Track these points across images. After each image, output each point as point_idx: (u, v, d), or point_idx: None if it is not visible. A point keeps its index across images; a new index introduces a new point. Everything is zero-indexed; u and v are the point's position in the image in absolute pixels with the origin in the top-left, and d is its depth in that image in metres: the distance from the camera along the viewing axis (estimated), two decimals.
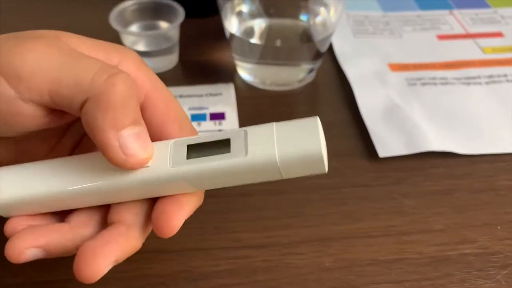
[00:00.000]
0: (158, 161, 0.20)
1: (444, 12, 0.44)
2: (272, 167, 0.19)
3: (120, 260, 0.20)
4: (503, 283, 0.24)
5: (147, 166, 0.20)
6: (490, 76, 0.37)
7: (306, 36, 0.37)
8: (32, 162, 0.21)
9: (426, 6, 0.45)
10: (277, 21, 0.37)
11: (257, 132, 0.20)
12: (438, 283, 0.24)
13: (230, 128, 0.32)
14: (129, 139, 0.19)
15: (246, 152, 0.19)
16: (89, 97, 0.18)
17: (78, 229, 0.21)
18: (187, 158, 0.20)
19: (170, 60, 0.37)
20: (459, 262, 0.25)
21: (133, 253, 0.20)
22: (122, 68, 0.20)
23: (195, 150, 0.20)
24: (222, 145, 0.20)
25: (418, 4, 0.45)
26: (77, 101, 0.19)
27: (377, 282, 0.24)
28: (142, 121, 0.20)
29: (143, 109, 0.21)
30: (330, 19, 0.36)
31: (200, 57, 0.39)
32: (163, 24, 0.38)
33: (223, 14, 0.35)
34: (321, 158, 0.19)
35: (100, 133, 0.18)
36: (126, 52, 0.21)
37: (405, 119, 0.33)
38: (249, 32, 0.36)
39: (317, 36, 0.36)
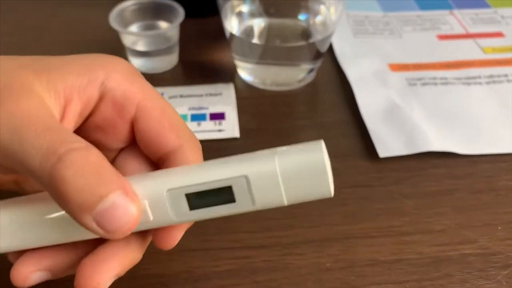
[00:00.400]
0: (159, 213, 0.19)
1: (444, 12, 0.44)
2: (280, 205, 0.19)
3: (121, 274, 0.20)
4: (504, 283, 0.24)
5: (150, 220, 0.19)
6: (491, 76, 0.37)
7: (306, 36, 0.37)
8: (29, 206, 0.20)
9: (426, 6, 0.45)
10: (277, 21, 0.37)
11: (259, 177, 0.18)
12: (438, 283, 0.24)
13: (230, 127, 0.32)
14: (104, 218, 0.17)
15: (253, 202, 0.19)
16: (43, 184, 0.17)
17: (81, 245, 0.20)
18: (190, 210, 0.19)
19: (170, 60, 0.37)
20: (460, 263, 0.25)
21: (133, 265, 0.20)
22: (109, 84, 0.19)
23: (196, 199, 0.19)
24: (224, 193, 0.19)
25: (418, 4, 0.45)
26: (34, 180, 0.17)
27: (377, 283, 0.24)
28: (115, 183, 0.17)
29: (136, 120, 0.20)
30: (330, 19, 0.36)
31: (200, 57, 0.39)
32: (163, 24, 0.37)
33: (223, 14, 0.35)
34: (330, 193, 0.19)
35: (71, 216, 0.17)
36: (113, 66, 0.20)
37: (405, 119, 0.32)
38: (249, 32, 0.36)
39: (317, 36, 0.36)
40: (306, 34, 0.37)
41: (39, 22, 0.43)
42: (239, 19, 0.36)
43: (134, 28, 0.37)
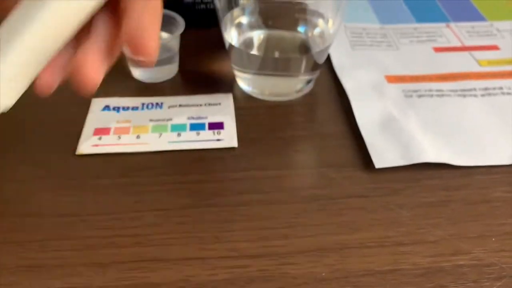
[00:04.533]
0: None
1: (441, 25, 0.45)
2: None
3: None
4: None
5: None
6: (486, 89, 0.37)
7: (304, 48, 0.37)
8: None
9: (423, 18, 0.45)
10: (275, 33, 0.37)
11: None
12: None
13: (228, 137, 0.33)
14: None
15: None
16: None
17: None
18: None
19: (170, 70, 0.38)
20: (454, 274, 0.25)
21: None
22: None
23: None
24: None
25: (415, 16, 0.46)
26: None
27: None
28: None
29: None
30: (328, 31, 0.37)
31: (199, 67, 0.39)
32: (164, 35, 0.38)
33: (222, 25, 0.36)
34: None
35: None
36: None
37: (401, 130, 0.33)
38: (248, 43, 0.36)
39: (315, 48, 0.36)
40: (304, 46, 0.37)
41: None
42: (238, 31, 0.37)
43: None
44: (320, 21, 0.37)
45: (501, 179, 0.30)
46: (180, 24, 0.37)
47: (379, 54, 0.41)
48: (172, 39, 0.36)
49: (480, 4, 0.48)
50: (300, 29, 0.38)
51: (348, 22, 0.44)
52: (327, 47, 0.36)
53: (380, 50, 0.41)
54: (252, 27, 0.37)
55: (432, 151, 0.31)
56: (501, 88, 0.37)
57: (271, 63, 0.36)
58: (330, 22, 0.37)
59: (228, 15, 0.36)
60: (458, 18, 0.46)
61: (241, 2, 0.37)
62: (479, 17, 0.46)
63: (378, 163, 0.31)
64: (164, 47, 0.37)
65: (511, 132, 0.33)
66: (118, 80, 0.37)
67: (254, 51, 0.36)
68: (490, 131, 0.33)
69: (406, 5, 0.47)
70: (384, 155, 0.31)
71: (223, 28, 0.36)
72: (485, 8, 0.47)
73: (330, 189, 0.30)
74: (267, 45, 0.37)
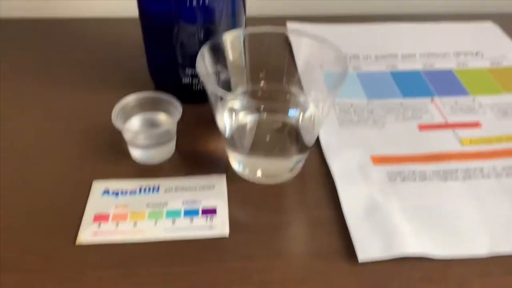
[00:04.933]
0: None
1: (426, 100, 0.47)
2: None
3: None
4: None
5: None
6: (467, 171, 0.39)
7: (295, 132, 0.39)
8: None
9: (409, 93, 0.48)
10: (267, 117, 0.40)
11: None
12: None
13: (220, 224, 0.34)
14: None
15: None
16: None
17: None
18: None
19: (168, 151, 0.40)
20: None
21: None
22: None
23: None
24: None
25: (401, 91, 0.48)
26: None
27: None
28: None
29: None
30: (318, 115, 0.39)
31: (196, 146, 0.41)
32: (162, 116, 0.40)
33: (215, 109, 0.38)
34: None
35: None
36: None
37: (384, 219, 0.35)
38: (240, 127, 0.39)
39: (305, 133, 0.38)
40: (294, 129, 0.39)
41: (42, 106, 0.46)
42: (231, 115, 0.39)
43: (135, 119, 0.40)
44: (311, 106, 0.40)
45: (479, 271, 0.32)
46: (178, 108, 0.39)
47: (366, 132, 0.43)
48: (170, 126, 0.38)
49: (464, 78, 0.50)
50: (291, 112, 0.40)
51: (337, 97, 0.47)
52: (317, 130, 0.38)
53: (366, 128, 0.43)
54: (244, 111, 0.39)
55: (413, 242, 0.33)
56: (481, 169, 0.39)
57: (262, 146, 0.38)
58: (321, 106, 0.39)
59: (221, 101, 0.38)
60: (443, 92, 0.48)
61: (233, 88, 0.39)
62: (462, 91, 0.48)
63: (362, 255, 0.32)
64: (163, 132, 0.39)
65: (488, 221, 0.35)
66: (118, 162, 0.39)
67: (246, 135, 0.38)
68: (470, 220, 0.35)
69: (394, 80, 0.49)
70: (367, 247, 0.33)
71: (216, 112, 0.38)
72: (468, 81, 0.49)
73: (317, 283, 0.31)
74: (258, 129, 0.39)
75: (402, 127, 0.44)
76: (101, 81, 0.49)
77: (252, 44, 0.41)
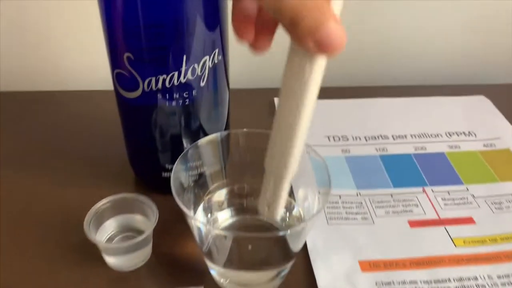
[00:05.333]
0: None
1: (418, 189, 0.45)
2: None
3: None
4: None
5: None
6: (460, 279, 0.37)
7: (281, 241, 0.37)
8: None
9: (400, 182, 0.46)
10: (248, 219, 0.38)
11: None
12: None
13: None
14: (323, 40, 0.22)
15: None
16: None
17: None
18: None
19: (144, 255, 0.37)
20: None
21: None
22: None
23: None
24: None
25: (392, 179, 0.46)
26: None
27: None
28: (331, 14, 0.22)
29: None
30: (308, 216, 0.36)
31: (173, 248, 0.39)
32: (138, 218, 0.38)
33: (190, 222, 0.36)
34: None
35: (297, 39, 0.23)
36: None
37: None
38: (217, 238, 0.36)
39: (292, 237, 0.36)
40: (281, 240, 0.37)
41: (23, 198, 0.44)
42: (206, 225, 0.37)
43: (109, 224, 0.38)
44: (299, 205, 0.38)
45: None
46: (154, 211, 0.37)
47: (355, 231, 0.41)
48: (145, 235, 0.36)
49: (456, 163, 0.48)
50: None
51: (322, 186, 0.45)
52: (305, 235, 0.36)
53: (355, 225, 0.41)
54: (221, 215, 0.37)
55: None
56: (476, 278, 0.37)
57: (243, 256, 0.36)
58: (311, 205, 0.37)
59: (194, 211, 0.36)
60: (435, 180, 0.46)
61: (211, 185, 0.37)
62: (455, 180, 0.46)
63: None
64: (139, 241, 0.36)
65: None
66: (92, 269, 0.37)
67: (223, 247, 0.36)
68: None
69: (384, 165, 0.48)
70: None
71: (191, 225, 0.35)
72: (461, 167, 0.48)
73: None
74: (237, 237, 0.37)
75: (393, 223, 0.42)
76: (75, 172, 0.47)
77: (234, 141, 0.39)
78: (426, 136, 0.52)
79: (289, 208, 0.38)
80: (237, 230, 0.37)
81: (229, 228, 0.37)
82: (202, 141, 0.36)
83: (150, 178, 0.43)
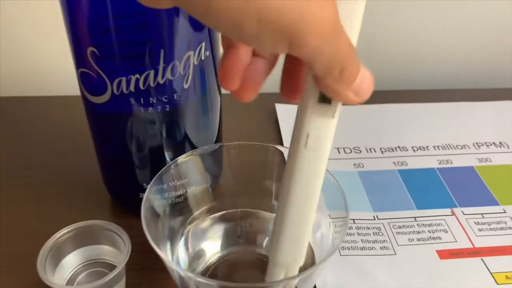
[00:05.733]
0: None
1: (446, 211, 0.38)
2: None
3: None
4: None
5: None
6: None
7: None
8: None
9: (424, 203, 0.38)
10: (242, 252, 0.31)
11: None
12: None
13: None
14: (359, 89, 0.20)
15: None
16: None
17: None
18: None
19: None
20: None
21: None
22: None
23: None
24: None
25: (414, 199, 0.39)
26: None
27: None
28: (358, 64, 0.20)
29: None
30: (320, 250, 0.30)
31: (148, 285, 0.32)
32: (107, 249, 0.31)
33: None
34: None
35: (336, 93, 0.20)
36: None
37: None
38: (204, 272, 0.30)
39: (299, 285, 0.29)
40: None
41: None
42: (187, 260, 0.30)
43: (72, 257, 0.31)
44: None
45: None
46: (126, 241, 0.30)
47: (372, 263, 0.33)
48: (118, 271, 0.29)
49: (488, 178, 0.41)
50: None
51: (335, 209, 0.38)
52: (315, 277, 0.28)
53: (373, 256, 0.34)
54: (207, 246, 0.30)
55: None
56: None
57: None
58: (323, 236, 0.30)
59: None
60: (465, 200, 0.39)
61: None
62: (489, 199, 0.39)
63: None
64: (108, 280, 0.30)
65: None
66: None
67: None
68: None
69: (404, 182, 0.40)
70: None
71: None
72: (494, 183, 0.40)
73: None
74: (230, 267, 0.30)
75: (418, 254, 0.34)
76: (39, 192, 0.40)
77: (226, 156, 0.32)
78: (451, 148, 0.45)
79: None
80: (229, 269, 0.29)
81: (220, 265, 0.29)
82: (185, 156, 0.29)
83: (127, 199, 0.36)
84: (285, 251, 0.24)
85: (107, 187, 0.37)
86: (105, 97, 0.30)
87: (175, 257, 0.28)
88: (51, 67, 0.53)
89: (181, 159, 0.29)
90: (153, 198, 0.27)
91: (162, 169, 0.27)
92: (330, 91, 0.20)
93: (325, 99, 0.21)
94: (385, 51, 0.56)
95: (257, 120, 0.48)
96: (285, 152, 0.32)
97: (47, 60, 0.53)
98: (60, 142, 0.45)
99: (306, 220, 0.23)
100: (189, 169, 0.30)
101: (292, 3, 0.16)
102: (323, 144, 0.22)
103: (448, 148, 0.45)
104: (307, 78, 0.21)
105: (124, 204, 0.37)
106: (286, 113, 0.48)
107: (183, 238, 0.29)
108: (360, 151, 0.44)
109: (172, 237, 0.28)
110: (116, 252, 0.31)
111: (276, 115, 0.48)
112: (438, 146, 0.45)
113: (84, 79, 0.30)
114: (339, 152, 0.44)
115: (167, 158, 0.34)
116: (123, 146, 0.33)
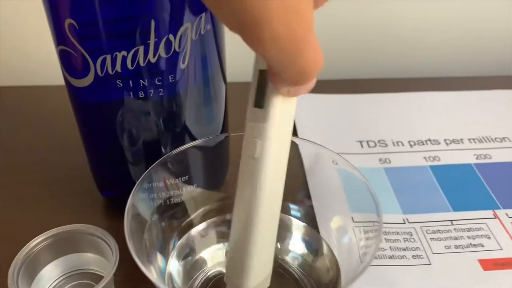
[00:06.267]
0: None
1: (487, 214, 0.33)
2: None
3: None
4: None
5: None
6: None
7: None
8: None
9: (461, 204, 0.33)
10: None
11: None
12: None
13: None
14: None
15: None
16: None
17: None
18: None
19: None
20: None
21: None
22: None
23: None
24: None
25: (449, 199, 0.34)
26: None
27: None
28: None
29: None
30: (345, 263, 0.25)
31: None
32: (91, 257, 0.27)
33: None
34: None
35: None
36: None
37: None
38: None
39: None
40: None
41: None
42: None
43: (50, 268, 0.26)
44: (326, 242, 0.26)
45: None
46: (113, 248, 0.25)
47: (404, 274, 0.28)
48: (107, 276, 0.25)
49: None
50: (292, 255, 0.26)
51: (358, 212, 0.33)
52: None
53: (404, 267, 0.29)
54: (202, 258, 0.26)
55: None
56: None
57: None
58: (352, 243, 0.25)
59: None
60: (510, 201, 0.34)
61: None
62: None
63: None
64: None
65: None
66: None
67: None
68: None
69: (437, 180, 0.35)
70: None
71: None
72: None
73: None
74: None
75: (457, 265, 0.29)
76: (24, 191, 0.35)
77: (234, 148, 0.28)
78: (489, 140, 0.39)
79: (312, 246, 0.26)
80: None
81: (222, 277, 0.25)
82: (180, 150, 0.25)
83: (120, 200, 0.32)
84: (233, 270, 0.22)
85: (97, 186, 0.33)
86: (88, 79, 0.25)
87: (168, 270, 0.23)
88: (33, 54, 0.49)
89: (175, 153, 0.25)
90: (139, 203, 0.22)
91: (151, 167, 0.23)
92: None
93: (259, 103, 0.19)
94: (410, 35, 0.50)
95: None
96: (300, 144, 0.27)
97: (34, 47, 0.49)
98: (45, 136, 0.41)
99: (251, 234, 0.21)
100: (186, 165, 0.25)
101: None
102: (265, 152, 0.19)
103: (486, 141, 0.39)
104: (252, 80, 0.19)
105: (117, 205, 0.33)
106: (301, 102, 0.43)
107: (177, 247, 0.24)
108: (386, 145, 0.39)
109: (164, 247, 0.23)
110: (102, 260, 0.26)
111: None
112: (474, 139, 0.39)
113: (64, 59, 0.26)
114: (362, 146, 0.39)
115: (164, 153, 0.29)
116: (113, 140, 0.28)
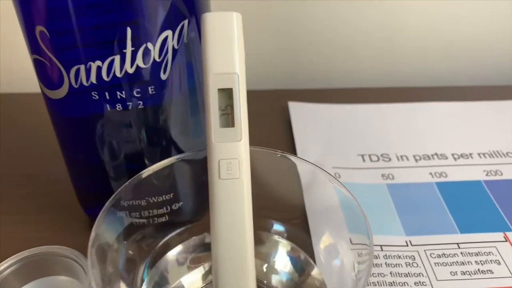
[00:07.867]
0: None
1: (497, 236, 0.30)
2: None
3: None
4: None
5: None
6: None
7: None
8: None
9: (469, 225, 0.31)
10: None
11: None
12: None
13: None
14: None
15: None
16: None
17: None
18: None
19: None
20: None
21: None
22: None
23: None
24: None
25: (456, 220, 0.32)
26: None
27: None
28: None
29: None
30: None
31: None
32: (64, 280, 0.24)
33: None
34: None
35: None
36: None
37: None
38: None
39: None
40: None
41: None
42: None
43: None
44: (323, 260, 0.24)
45: None
46: (88, 272, 0.23)
47: None
48: None
49: None
50: (285, 276, 0.24)
51: (356, 233, 0.31)
52: None
53: None
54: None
55: None
56: None
57: None
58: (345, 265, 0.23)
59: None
60: None
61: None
62: None
63: None
64: None
65: None
66: None
67: None
68: None
69: (443, 198, 0.33)
70: None
71: None
72: None
73: None
74: None
75: None
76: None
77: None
78: (500, 155, 0.37)
79: (299, 264, 0.24)
80: None
81: None
82: (155, 167, 0.23)
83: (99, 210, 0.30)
84: None
85: (80, 202, 0.31)
86: (62, 91, 0.23)
87: None
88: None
89: (148, 170, 0.23)
90: (106, 228, 0.20)
91: (120, 188, 0.21)
92: None
93: (228, 123, 0.19)
94: (416, 44, 0.48)
95: (267, 121, 0.41)
96: (297, 163, 0.25)
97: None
98: (24, 145, 0.39)
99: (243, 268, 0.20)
100: (160, 181, 0.23)
101: None
102: (244, 170, 0.20)
103: (497, 156, 0.37)
104: (205, 99, 0.19)
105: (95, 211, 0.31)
106: (301, 112, 0.41)
107: (147, 275, 0.22)
108: (390, 159, 0.37)
109: (132, 277, 0.21)
110: (75, 283, 0.24)
111: (288, 115, 0.41)
112: (484, 153, 0.37)
113: (38, 69, 0.24)
114: (363, 160, 0.36)
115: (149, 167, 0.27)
116: (93, 155, 0.26)
